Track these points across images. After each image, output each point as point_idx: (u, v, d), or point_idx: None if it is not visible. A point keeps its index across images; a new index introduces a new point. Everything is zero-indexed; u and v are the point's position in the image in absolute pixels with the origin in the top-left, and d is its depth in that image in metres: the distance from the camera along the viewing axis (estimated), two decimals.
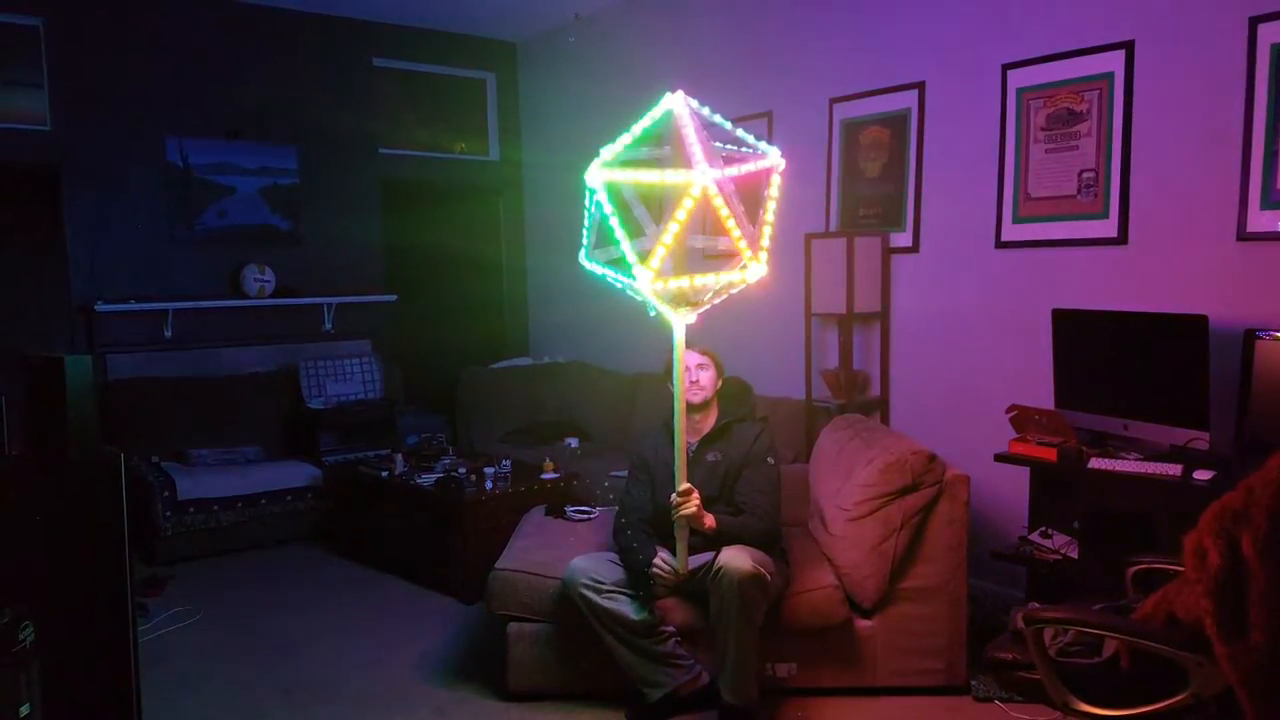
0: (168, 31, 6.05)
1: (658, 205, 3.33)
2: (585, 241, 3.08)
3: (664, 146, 3.00)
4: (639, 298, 3.04)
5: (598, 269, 3.08)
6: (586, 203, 3.01)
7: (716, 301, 3.09)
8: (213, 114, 6.20)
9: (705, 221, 3.67)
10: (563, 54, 6.98)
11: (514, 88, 7.54)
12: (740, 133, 3.02)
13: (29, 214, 5.77)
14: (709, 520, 3.29)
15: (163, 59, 6.03)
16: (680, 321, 3.05)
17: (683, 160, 2.82)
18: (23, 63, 5.64)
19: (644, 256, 2.87)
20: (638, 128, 2.87)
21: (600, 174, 2.85)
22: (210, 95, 6.20)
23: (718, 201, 2.78)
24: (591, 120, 6.49)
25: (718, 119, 2.98)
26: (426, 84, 7.25)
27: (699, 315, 3.08)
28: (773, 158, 2.96)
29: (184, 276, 6.14)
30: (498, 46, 7.41)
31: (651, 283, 2.84)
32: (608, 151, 2.91)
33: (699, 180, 2.72)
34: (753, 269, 2.90)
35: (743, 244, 2.87)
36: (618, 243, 2.85)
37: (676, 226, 2.77)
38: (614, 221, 2.84)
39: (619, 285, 3.06)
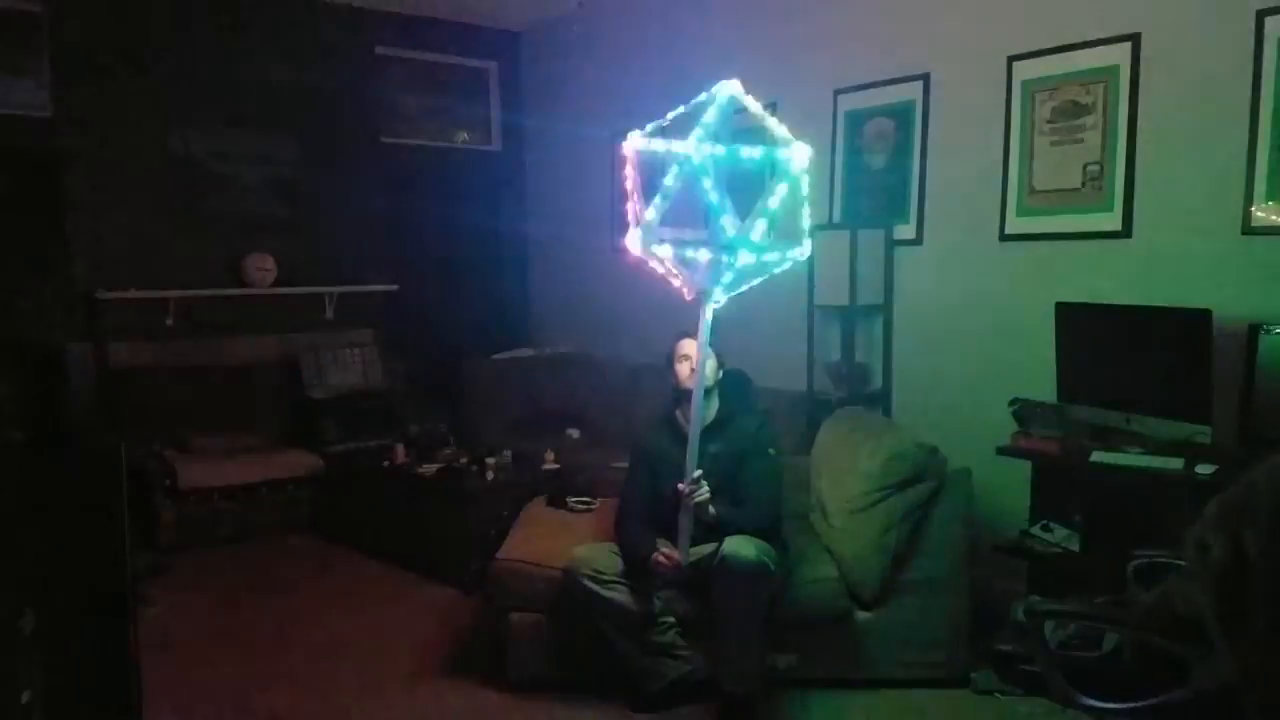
0: (169, 18, 6.03)
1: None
2: (647, 221, 3.02)
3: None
4: (676, 283, 3.11)
5: (654, 253, 3.06)
6: (644, 180, 3.03)
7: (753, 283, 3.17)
8: (215, 101, 6.18)
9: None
10: (565, 44, 6.95)
11: (517, 77, 7.51)
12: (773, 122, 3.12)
13: (29, 201, 5.75)
14: (712, 507, 3.30)
15: (165, 46, 6.01)
16: (710, 304, 3.08)
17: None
18: (23, 48, 5.61)
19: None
20: (710, 115, 2.93)
21: (701, 149, 2.87)
22: (213, 82, 6.17)
23: (805, 178, 2.99)
24: (594, 112, 6.47)
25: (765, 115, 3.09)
26: (429, 72, 7.22)
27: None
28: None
29: (186, 265, 6.12)
30: (500, 36, 7.38)
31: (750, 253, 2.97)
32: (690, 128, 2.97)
33: (802, 155, 2.96)
34: (805, 247, 3.13)
35: (806, 224, 3.09)
36: (719, 216, 2.93)
37: (776, 199, 2.93)
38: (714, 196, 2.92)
39: (667, 267, 3.09)
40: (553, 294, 7.36)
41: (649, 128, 3.04)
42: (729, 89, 2.98)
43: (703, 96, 3.00)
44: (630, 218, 3.05)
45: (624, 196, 3.14)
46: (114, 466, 2.67)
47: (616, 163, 3.18)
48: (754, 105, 3.03)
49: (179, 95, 6.06)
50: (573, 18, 6.74)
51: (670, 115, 3.01)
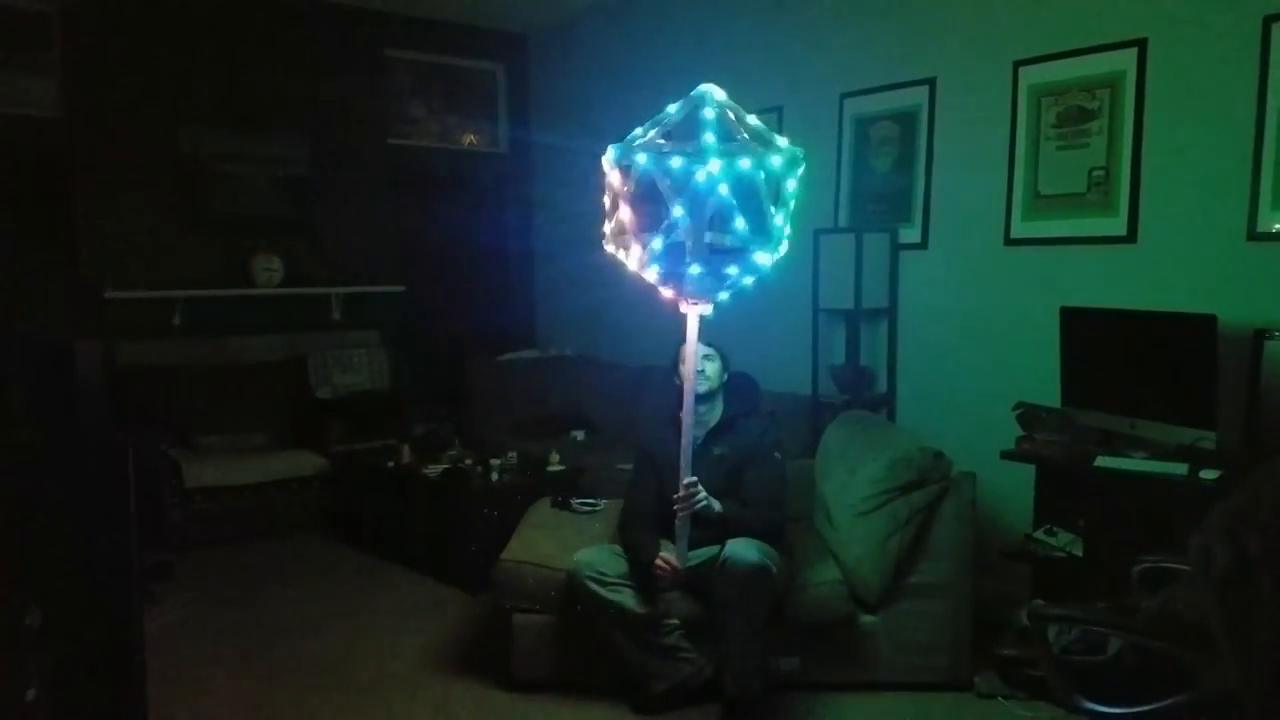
0: (180, 20, 6.05)
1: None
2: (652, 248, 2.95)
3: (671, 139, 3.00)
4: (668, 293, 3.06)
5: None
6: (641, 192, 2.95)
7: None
8: (224, 102, 6.21)
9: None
10: (573, 46, 6.97)
11: (524, 80, 7.53)
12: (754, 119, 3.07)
13: (39, 200, 5.78)
14: (716, 504, 3.32)
15: (175, 47, 6.03)
16: (695, 312, 3.07)
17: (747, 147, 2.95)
18: (34, 49, 5.64)
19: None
20: (709, 135, 2.85)
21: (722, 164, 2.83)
22: (222, 84, 6.19)
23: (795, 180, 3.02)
24: (602, 113, 6.48)
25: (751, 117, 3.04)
26: (437, 75, 7.24)
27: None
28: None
29: (194, 265, 6.14)
30: (508, 38, 7.40)
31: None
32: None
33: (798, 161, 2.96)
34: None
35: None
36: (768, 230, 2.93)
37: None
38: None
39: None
40: (559, 295, 7.37)
41: (631, 139, 2.97)
42: (712, 94, 2.90)
43: (679, 104, 2.94)
44: (629, 234, 2.97)
45: (613, 211, 3.03)
46: (121, 465, 2.68)
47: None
48: (736, 108, 2.98)
49: (188, 96, 6.08)
50: (580, 21, 6.75)
51: (650, 125, 2.97)
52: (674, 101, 2.97)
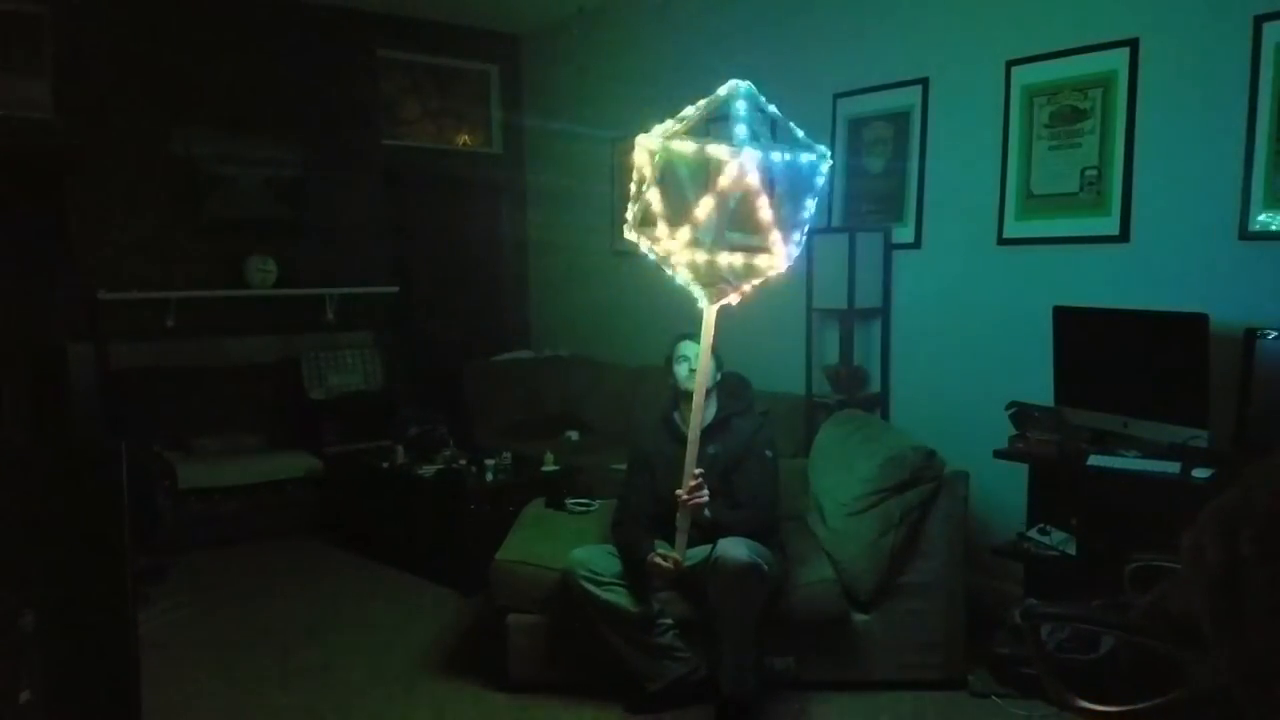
0: (172, 21, 6.04)
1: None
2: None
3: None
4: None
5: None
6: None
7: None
8: (218, 104, 6.19)
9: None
10: (566, 47, 6.96)
11: (517, 80, 7.53)
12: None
13: (32, 201, 5.76)
14: (706, 509, 3.32)
15: (168, 49, 6.02)
16: (717, 307, 3.06)
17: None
18: (26, 50, 5.63)
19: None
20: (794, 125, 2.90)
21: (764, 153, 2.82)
22: (215, 85, 6.18)
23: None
24: (594, 114, 6.48)
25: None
26: (430, 76, 7.24)
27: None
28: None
29: (187, 266, 6.13)
30: (501, 38, 7.40)
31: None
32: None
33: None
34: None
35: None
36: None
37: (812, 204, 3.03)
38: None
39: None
40: (553, 296, 7.37)
41: (668, 125, 2.90)
42: (745, 87, 2.86)
43: (722, 92, 2.86)
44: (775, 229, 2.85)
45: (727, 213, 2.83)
46: (114, 467, 2.67)
47: (617, 165, 3.11)
48: (772, 107, 2.96)
49: (181, 97, 6.07)
50: (573, 22, 6.74)
51: (687, 112, 2.93)
52: (669, 101, 2.95)
